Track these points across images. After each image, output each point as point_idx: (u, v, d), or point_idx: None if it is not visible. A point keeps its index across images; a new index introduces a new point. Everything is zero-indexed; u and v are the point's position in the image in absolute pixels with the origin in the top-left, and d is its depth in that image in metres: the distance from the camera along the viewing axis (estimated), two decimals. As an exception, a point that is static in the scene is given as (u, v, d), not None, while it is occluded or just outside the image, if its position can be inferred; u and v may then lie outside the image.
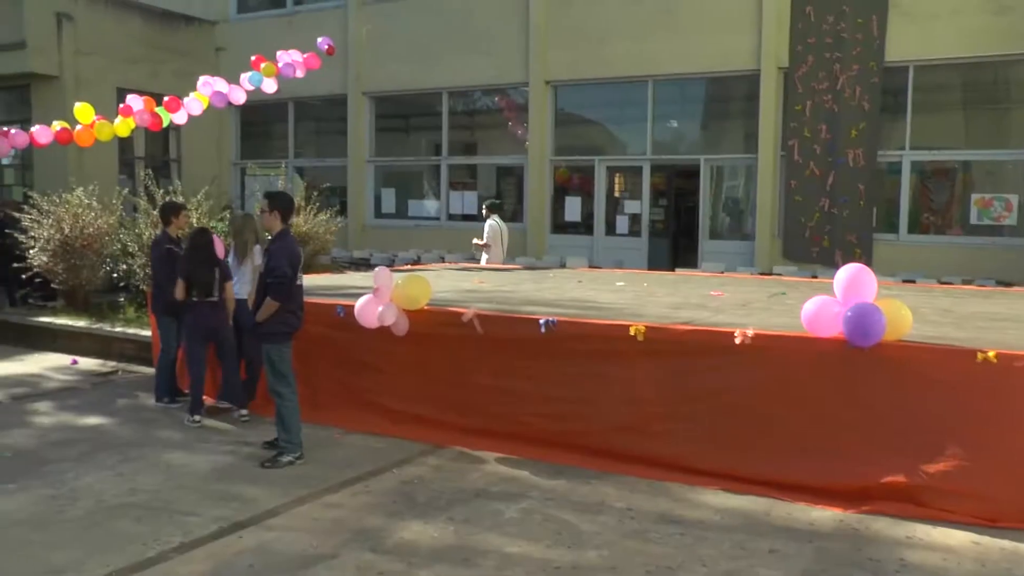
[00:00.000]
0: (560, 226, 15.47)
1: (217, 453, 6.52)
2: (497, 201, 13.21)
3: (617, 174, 15.29)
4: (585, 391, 6.29)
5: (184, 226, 8.25)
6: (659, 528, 5.04)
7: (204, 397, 8.05)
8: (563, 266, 13.47)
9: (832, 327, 5.55)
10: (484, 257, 12.38)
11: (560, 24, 14.80)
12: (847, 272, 5.71)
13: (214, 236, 7.48)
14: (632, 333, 6.02)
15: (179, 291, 7.24)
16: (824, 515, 5.25)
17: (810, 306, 5.70)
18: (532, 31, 14.93)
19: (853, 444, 5.43)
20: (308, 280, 7.23)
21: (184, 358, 7.63)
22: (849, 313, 5.43)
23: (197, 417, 7.28)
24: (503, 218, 12.53)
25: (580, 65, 14.74)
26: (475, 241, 12.55)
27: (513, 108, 15.83)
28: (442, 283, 8.95)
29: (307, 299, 6.61)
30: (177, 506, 5.37)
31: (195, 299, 7.22)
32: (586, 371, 6.28)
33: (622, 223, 15.01)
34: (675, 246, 15.15)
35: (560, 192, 15.50)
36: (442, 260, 14.47)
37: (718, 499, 5.52)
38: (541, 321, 6.36)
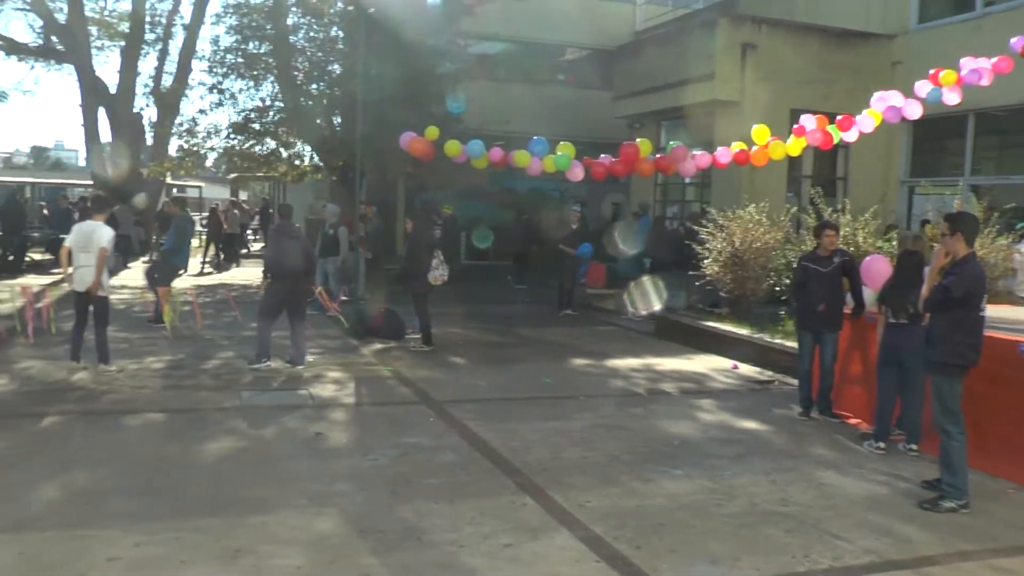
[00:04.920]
0: None
1: (870, 481, 6.26)
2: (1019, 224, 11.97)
3: None
4: None
5: (830, 246, 8.05)
6: None
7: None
8: None
9: None
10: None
11: None
12: None
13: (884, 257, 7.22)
14: None
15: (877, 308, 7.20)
16: None
17: None
18: None
19: None
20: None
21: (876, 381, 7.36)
22: None
23: (881, 444, 7.01)
24: None
25: None
26: None
27: None
28: None
29: (985, 332, 5.92)
30: (827, 526, 5.30)
31: (891, 320, 7.04)
32: None
33: None
34: None
35: None
36: None
37: None
38: None
